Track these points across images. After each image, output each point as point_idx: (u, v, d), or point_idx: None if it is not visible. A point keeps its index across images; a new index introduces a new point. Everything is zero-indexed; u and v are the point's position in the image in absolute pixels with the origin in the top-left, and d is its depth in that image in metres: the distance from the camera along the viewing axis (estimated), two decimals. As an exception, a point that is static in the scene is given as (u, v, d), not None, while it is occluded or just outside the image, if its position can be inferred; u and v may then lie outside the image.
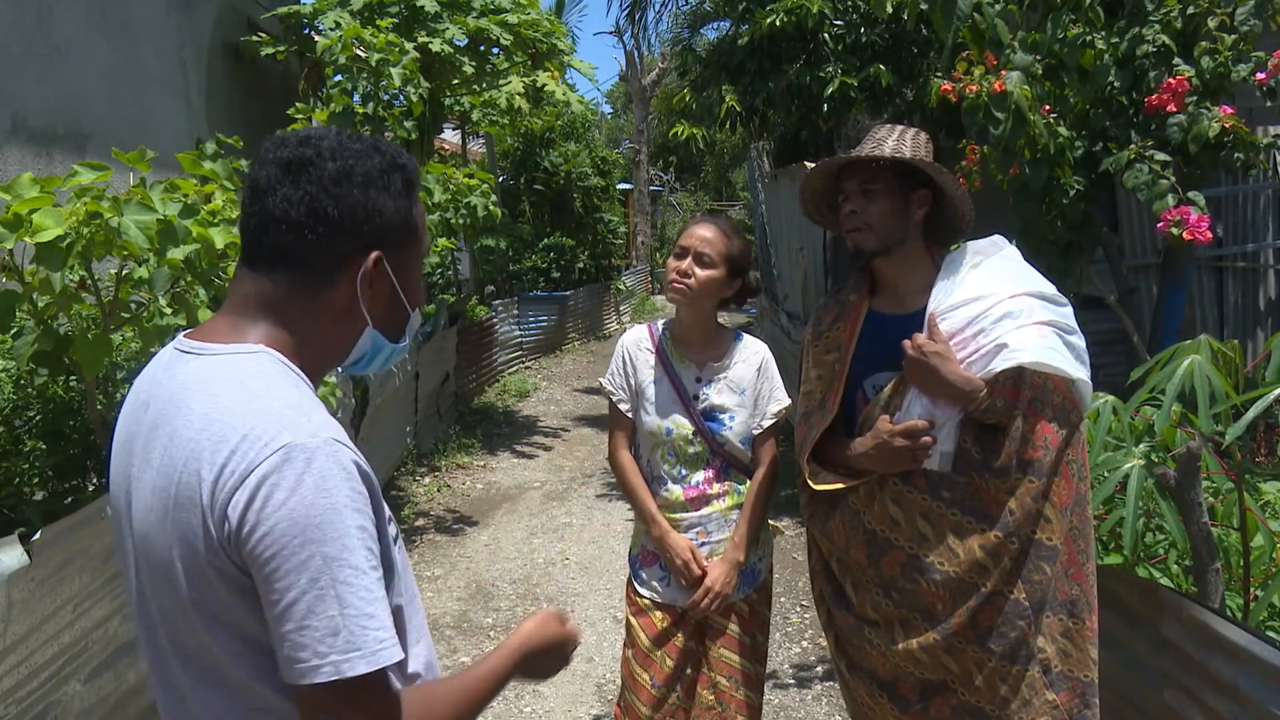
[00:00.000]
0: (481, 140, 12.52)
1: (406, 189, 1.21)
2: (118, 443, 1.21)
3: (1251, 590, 2.47)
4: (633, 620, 2.54)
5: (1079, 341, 1.95)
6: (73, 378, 3.06)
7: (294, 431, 1.05)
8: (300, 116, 5.81)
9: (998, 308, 1.92)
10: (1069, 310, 1.99)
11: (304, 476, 1.02)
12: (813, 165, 8.35)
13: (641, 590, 2.53)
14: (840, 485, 2.06)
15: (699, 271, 2.39)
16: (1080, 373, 1.91)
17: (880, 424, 1.99)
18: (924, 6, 3.91)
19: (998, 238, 2.09)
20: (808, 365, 2.22)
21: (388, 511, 1.22)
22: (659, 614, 2.49)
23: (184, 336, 1.19)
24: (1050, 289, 2.00)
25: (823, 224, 2.27)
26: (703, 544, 2.46)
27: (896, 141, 2.03)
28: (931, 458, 1.94)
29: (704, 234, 2.41)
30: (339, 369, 1.27)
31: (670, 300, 2.48)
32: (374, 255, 1.17)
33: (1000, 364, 1.87)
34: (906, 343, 1.94)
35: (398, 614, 1.16)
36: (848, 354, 2.11)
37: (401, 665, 1.13)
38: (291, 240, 1.14)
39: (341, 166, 1.14)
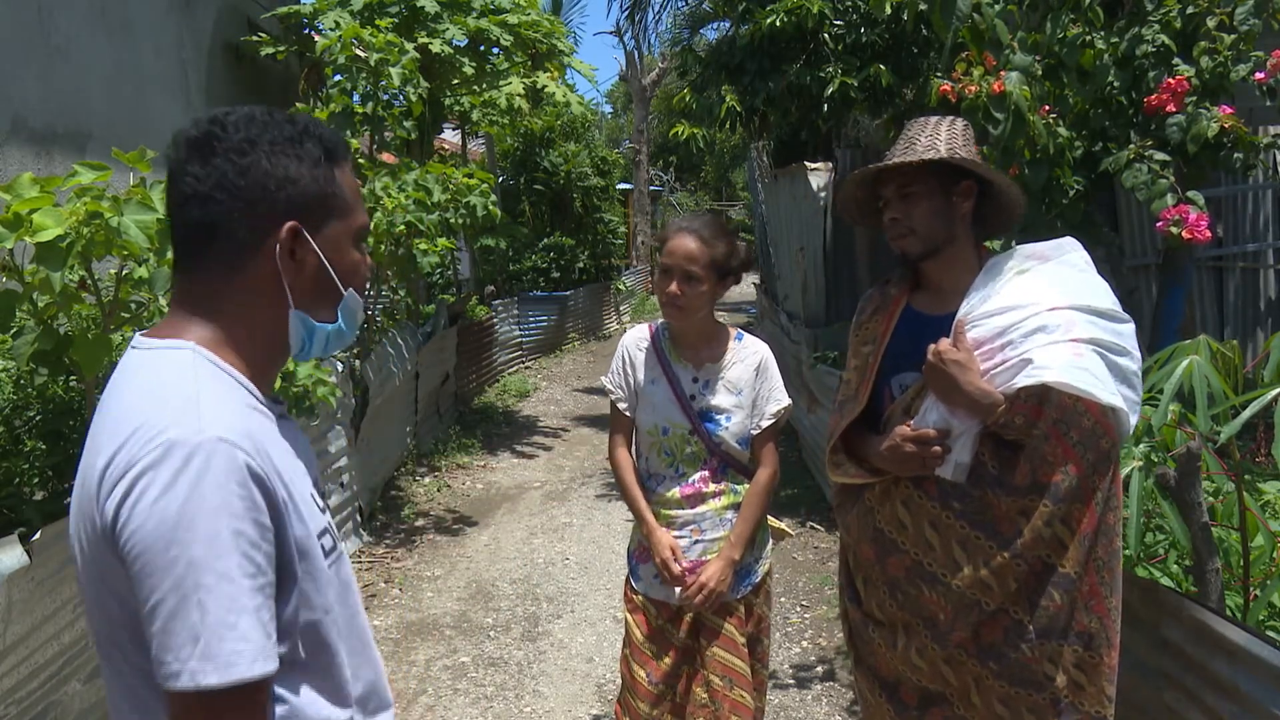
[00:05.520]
0: (481, 140, 12.53)
1: (327, 157, 1.16)
2: None
3: (1251, 590, 2.47)
4: (629, 617, 2.56)
5: (1128, 364, 1.84)
6: (73, 378, 3.06)
7: (180, 428, 1.01)
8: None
9: (1032, 320, 1.83)
10: (1127, 329, 1.87)
11: (179, 476, 0.99)
12: (814, 167, 8.28)
13: (637, 586, 2.55)
14: (856, 480, 2.06)
15: (687, 290, 2.37)
16: (1112, 398, 1.77)
17: (898, 425, 1.97)
18: (923, 7, 3.90)
19: (1066, 240, 2.00)
20: (849, 354, 2.20)
21: (325, 520, 1.17)
22: (653, 610, 2.51)
23: (139, 335, 1.18)
24: (1109, 303, 1.88)
25: (864, 225, 2.20)
26: (697, 541, 2.46)
27: (929, 138, 1.96)
28: (945, 466, 1.89)
29: (687, 248, 2.36)
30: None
31: (665, 319, 2.50)
32: (289, 225, 1.13)
33: (1022, 380, 1.80)
34: (931, 347, 1.89)
35: (313, 629, 1.12)
36: (880, 348, 2.08)
37: (266, 683, 1.03)
38: (202, 216, 1.11)
39: (247, 136, 1.11)
